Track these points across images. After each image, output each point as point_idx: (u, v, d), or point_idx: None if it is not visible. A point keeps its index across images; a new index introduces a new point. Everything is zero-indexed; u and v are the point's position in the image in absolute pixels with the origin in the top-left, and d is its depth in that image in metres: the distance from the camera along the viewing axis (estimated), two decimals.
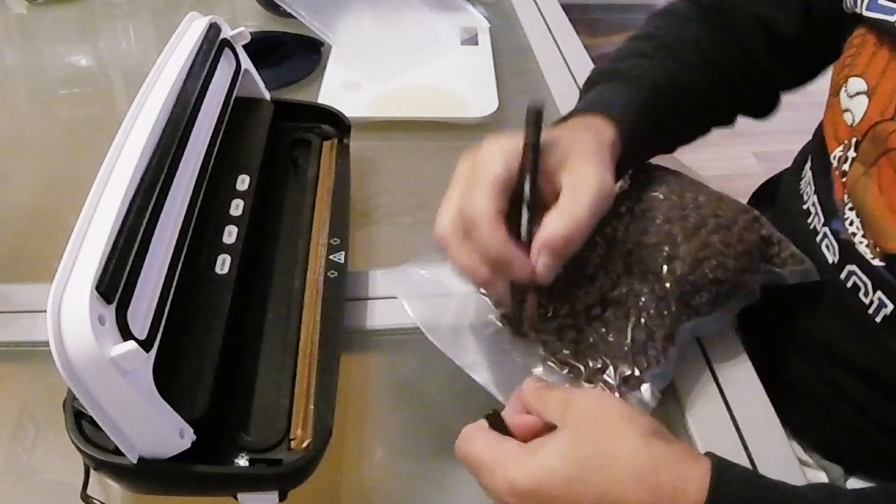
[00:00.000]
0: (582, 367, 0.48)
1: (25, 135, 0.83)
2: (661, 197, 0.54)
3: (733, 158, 2.17)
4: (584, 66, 0.90)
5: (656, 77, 0.57)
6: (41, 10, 1.05)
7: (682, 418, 0.51)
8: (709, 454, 0.39)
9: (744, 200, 0.66)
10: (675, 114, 0.59)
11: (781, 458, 0.49)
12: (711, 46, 0.60)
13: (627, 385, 0.48)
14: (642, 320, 0.49)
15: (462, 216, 0.45)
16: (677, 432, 0.51)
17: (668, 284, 0.50)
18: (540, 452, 0.39)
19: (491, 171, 0.45)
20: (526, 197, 0.46)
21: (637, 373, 0.48)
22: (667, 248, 0.51)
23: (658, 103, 0.56)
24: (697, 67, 0.59)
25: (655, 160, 0.60)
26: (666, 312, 0.50)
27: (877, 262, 0.51)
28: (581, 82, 0.86)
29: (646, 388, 0.48)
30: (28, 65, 0.95)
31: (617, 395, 0.47)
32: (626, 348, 0.48)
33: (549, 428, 0.41)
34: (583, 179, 0.46)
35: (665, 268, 0.50)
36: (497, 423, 0.42)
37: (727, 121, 0.64)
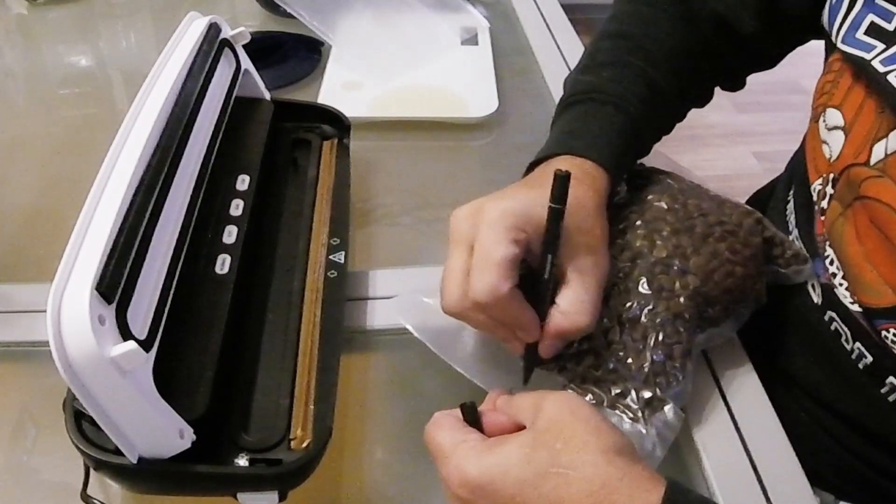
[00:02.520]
0: (604, 395, 0.47)
1: (25, 135, 0.83)
2: (665, 207, 0.53)
3: (733, 158, 2.17)
4: None
5: (638, 93, 0.56)
6: (41, 10, 1.05)
7: (688, 431, 0.50)
8: (669, 479, 0.37)
9: (743, 201, 0.66)
10: (658, 120, 0.59)
11: (787, 470, 0.48)
12: (682, 45, 0.59)
13: (651, 407, 0.47)
14: (660, 338, 0.48)
15: (471, 299, 0.44)
16: (683, 445, 0.51)
17: (682, 299, 0.49)
18: (497, 449, 0.38)
19: (496, 254, 0.43)
20: (546, 273, 0.45)
21: (659, 393, 0.47)
22: (677, 262, 0.50)
23: (642, 124, 0.56)
24: (671, 68, 0.59)
25: (649, 162, 0.60)
26: (682, 329, 0.49)
27: (855, 308, 0.51)
28: None
29: (669, 409, 0.47)
30: (28, 65, 0.95)
31: (642, 418, 0.46)
32: (645, 370, 0.47)
33: (520, 430, 0.40)
34: (588, 266, 0.46)
35: (677, 283, 0.49)
36: (470, 415, 0.41)
37: (701, 104, 0.64)
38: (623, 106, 0.55)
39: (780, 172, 0.72)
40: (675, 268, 0.50)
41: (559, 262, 0.46)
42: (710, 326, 0.51)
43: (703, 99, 0.64)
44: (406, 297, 0.54)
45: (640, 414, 0.46)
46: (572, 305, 0.45)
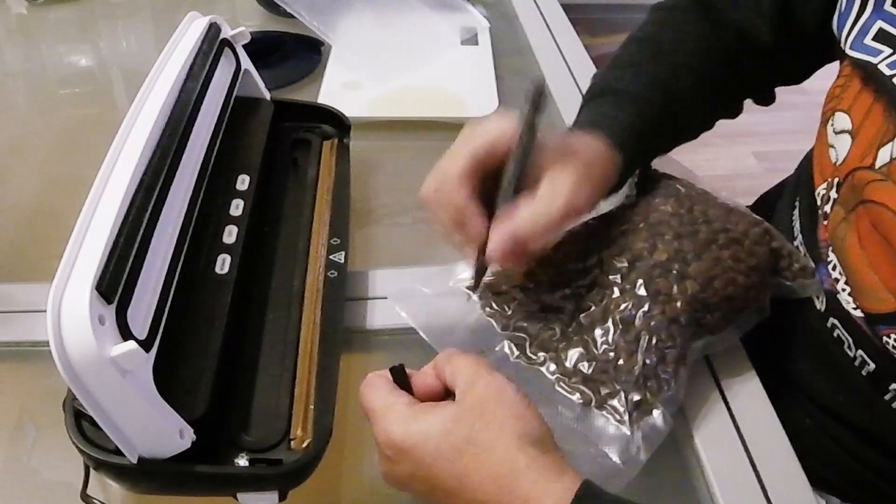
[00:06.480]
0: (592, 394, 0.47)
1: (25, 135, 0.83)
2: (671, 210, 0.53)
3: (733, 158, 2.17)
4: (584, 66, 0.89)
5: (654, 93, 0.57)
6: (41, 10, 1.05)
7: (690, 435, 0.50)
8: (586, 481, 0.38)
9: (744, 201, 0.66)
10: (673, 124, 0.59)
11: (788, 473, 0.48)
12: (706, 52, 0.60)
13: (639, 411, 0.47)
14: (653, 342, 0.48)
15: (435, 177, 0.48)
16: (684, 447, 0.51)
17: (678, 304, 0.49)
18: (422, 417, 0.40)
19: (474, 144, 0.48)
20: (508, 172, 0.47)
21: (648, 397, 0.47)
22: (677, 267, 0.50)
23: (656, 120, 0.56)
24: (693, 76, 0.59)
25: (660, 167, 0.60)
26: (677, 334, 0.49)
27: (857, 314, 0.51)
28: (581, 82, 0.86)
29: (657, 414, 0.47)
30: (28, 65, 0.95)
31: (628, 421, 0.46)
32: (636, 372, 0.47)
33: (448, 395, 0.42)
34: (560, 187, 0.47)
35: (675, 287, 0.49)
36: (400, 377, 0.43)
37: (729, 115, 0.65)
38: (638, 101, 0.56)
39: (780, 172, 0.72)
40: (675, 272, 0.50)
41: (538, 180, 0.47)
42: (707, 334, 0.51)
43: (730, 110, 0.64)
44: (404, 286, 0.54)
45: (626, 416, 0.46)
46: (528, 209, 0.46)
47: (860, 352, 0.52)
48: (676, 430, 0.50)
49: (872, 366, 0.51)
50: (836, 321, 0.53)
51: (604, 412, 0.47)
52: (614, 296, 0.50)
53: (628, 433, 0.46)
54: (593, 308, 0.50)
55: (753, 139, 2.19)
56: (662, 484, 0.49)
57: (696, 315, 0.50)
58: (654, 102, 0.56)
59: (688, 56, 0.59)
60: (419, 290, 0.54)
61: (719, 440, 0.50)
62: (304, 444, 0.43)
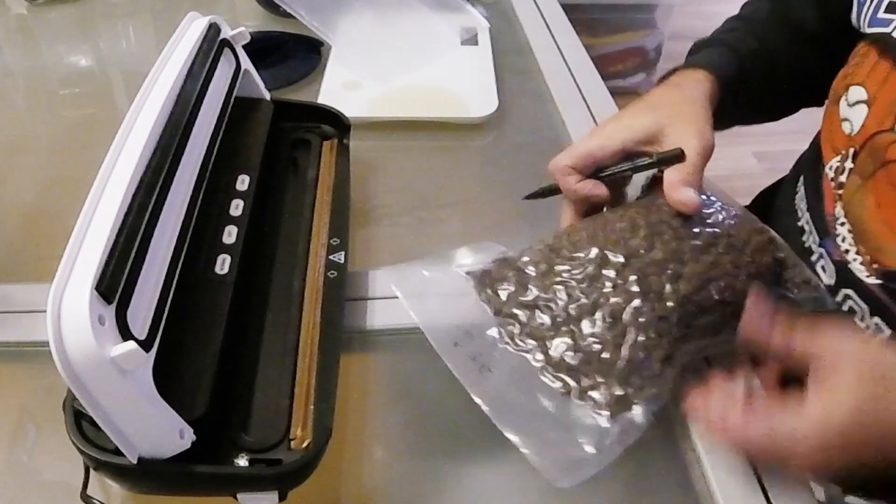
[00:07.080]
0: (574, 384, 0.47)
1: (25, 135, 0.83)
2: (673, 211, 0.53)
3: (733, 158, 2.17)
4: (584, 66, 0.90)
5: (749, 43, 0.63)
6: (41, 10, 1.05)
7: (690, 436, 0.50)
8: None
9: (744, 201, 0.66)
10: (765, 75, 0.63)
11: (789, 475, 0.48)
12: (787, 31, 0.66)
13: (618, 405, 0.47)
14: (640, 339, 0.48)
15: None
16: (683, 445, 0.51)
17: (669, 303, 0.49)
18: (819, 397, 0.41)
19: (587, 146, 0.55)
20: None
21: (630, 392, 0.47)
22: (672, 266, 0.50)
23: (750, 65, 0.62)
24: (780, 40, 0.65)
25: None
26: (665, 333, 0.48)
27: (872, 280, 0.52)
28: (581, 82, 0.86)
29: (637, 409, 0.46)
30: (28, 65, 0.95)
31: (607, 414, 0.46)
32: (619, 367, 0.47)
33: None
34: (685, 138, 0.52)
35: (668, 286, 0.49)
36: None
37: (813, 96, 0.67)
38: (733, 48, 0.63)
39: (779, 172, 0.72)
40: (669, 271, 0.50)
41: (659, 146, 0.54)
42: (701, 337, 0.50)
43: (812, 95, 0.67)
44: (404, 267, 0.54)
45: (605, 409, 0.46)
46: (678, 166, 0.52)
47: (875, 320, 0.52)
48: (676, 430, 0.50)
49: (887, 332, 0.51)
50: (848, 292, 0.54)
51: (583, 403, 0.47)
52: (605, 290, 0.50)
53: (606, 425, 0.46)
54: (584, 300, 0.50)
55: (753, 139, 2.18)
56: (663, 484, 0.49)
57: (687, 316, 0.49)
58: (749, 50, 0.63)
59: (774, 27, 0.66)
60: (418, 270, 0.54)
61: (719, 440, 0.50)
62: (304, 444, 0.43)
